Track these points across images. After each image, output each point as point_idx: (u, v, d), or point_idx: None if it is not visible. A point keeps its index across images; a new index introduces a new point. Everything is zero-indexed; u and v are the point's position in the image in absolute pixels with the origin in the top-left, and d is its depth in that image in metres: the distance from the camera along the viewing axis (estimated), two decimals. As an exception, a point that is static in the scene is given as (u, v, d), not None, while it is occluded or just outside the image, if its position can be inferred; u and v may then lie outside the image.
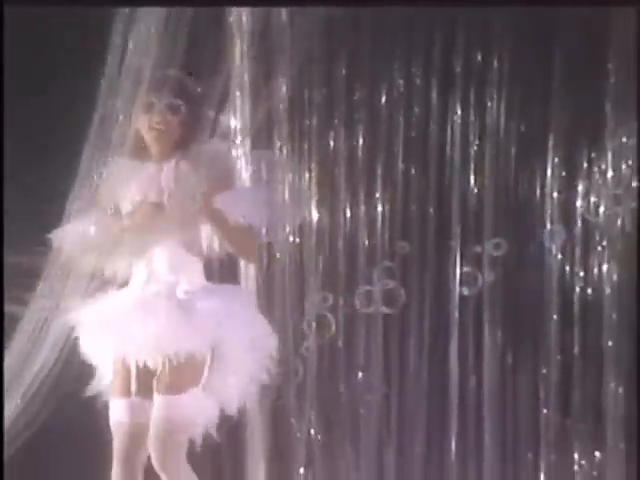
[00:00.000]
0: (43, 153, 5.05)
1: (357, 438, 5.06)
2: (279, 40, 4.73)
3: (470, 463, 5.03)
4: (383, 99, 5.07)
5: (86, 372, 3.79)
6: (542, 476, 4.95)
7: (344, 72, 5.03)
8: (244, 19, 4.71)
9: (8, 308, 4.09)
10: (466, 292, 4.99)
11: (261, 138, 4.71)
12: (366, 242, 5.03)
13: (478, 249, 4.97)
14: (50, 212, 3.99)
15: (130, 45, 4.21)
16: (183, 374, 3.54)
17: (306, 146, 5.01)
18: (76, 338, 3.74)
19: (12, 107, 4.62)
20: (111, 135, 3.89)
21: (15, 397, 4.17)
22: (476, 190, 5.01)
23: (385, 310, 4.96)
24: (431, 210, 5.04)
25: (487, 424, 5.02)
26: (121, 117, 3.89)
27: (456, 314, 5.01)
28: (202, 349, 3.54)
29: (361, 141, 5.06)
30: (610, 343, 4.89)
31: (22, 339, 4.22)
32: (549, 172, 5.02)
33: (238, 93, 4.73)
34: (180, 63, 3.97)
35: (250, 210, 3.58)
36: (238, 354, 3.59)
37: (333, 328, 4.96)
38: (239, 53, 4.75)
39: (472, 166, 5.01)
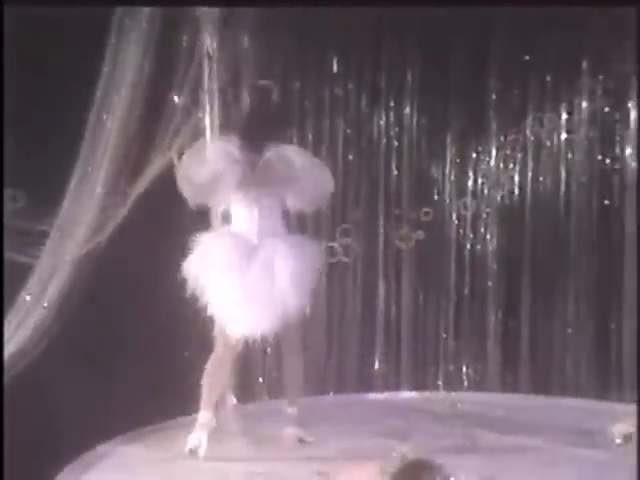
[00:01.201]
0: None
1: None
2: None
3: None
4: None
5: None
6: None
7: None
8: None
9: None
10: (403, 247, 6.73)
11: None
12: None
13: (414, 215, 6.75)
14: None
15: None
16: None
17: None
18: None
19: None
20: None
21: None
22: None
23: (344, 259, 6.62)
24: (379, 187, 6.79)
25: (403, 344, 6.87)
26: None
27: (393, 262, 6.84)
28: None
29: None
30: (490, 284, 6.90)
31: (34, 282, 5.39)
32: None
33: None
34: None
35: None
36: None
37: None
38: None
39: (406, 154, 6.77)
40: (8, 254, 5.09)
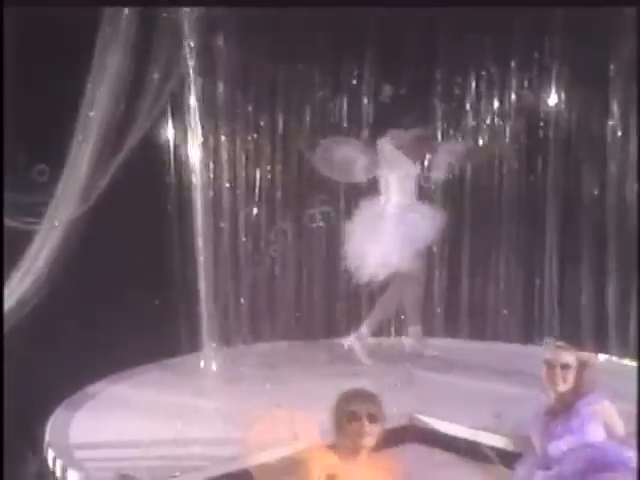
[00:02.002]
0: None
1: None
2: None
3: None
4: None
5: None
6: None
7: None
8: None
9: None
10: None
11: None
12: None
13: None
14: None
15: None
16: None
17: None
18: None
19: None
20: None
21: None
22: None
23: (322, 225, 7.45)
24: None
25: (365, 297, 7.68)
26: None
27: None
28: None
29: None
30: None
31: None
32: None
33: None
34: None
35: None
36: None
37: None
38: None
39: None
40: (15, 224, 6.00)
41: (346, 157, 7.12)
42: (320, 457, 4.58)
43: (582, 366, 5.22)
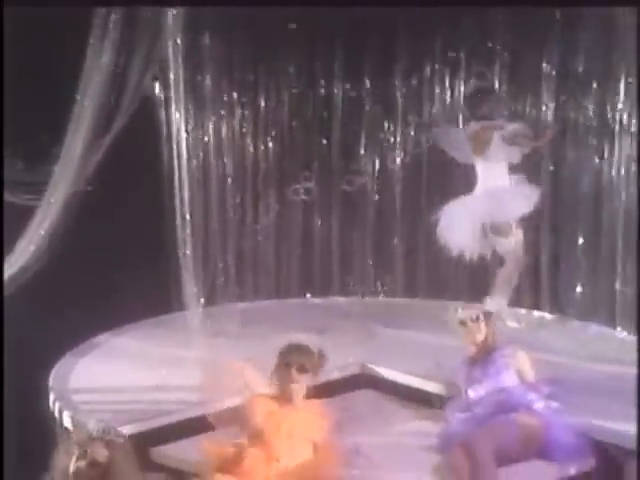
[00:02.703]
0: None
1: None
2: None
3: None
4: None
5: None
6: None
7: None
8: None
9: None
10: (348, 189, 8.48)
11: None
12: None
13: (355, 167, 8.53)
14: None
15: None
16: None
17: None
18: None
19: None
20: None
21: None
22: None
23: (305, 198, 8.38)
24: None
25: (335, 262, 8.64)
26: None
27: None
28: None
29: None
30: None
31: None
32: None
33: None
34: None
35: None
36: None
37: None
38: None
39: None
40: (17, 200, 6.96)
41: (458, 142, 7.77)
42: (261, 403, 5.27)
43: (487, 316, 6.19)
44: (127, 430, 5.61)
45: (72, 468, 4.05)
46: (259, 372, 5.56)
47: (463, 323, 6.19)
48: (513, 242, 7.60)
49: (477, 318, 6.14)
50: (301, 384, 5.20)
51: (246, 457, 5.16)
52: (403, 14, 7.70)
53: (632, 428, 5.58)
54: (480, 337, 6.13)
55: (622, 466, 5.51)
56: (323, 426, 5.31)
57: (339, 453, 5.41)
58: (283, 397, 5.25)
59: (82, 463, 4.06)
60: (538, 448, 5.76)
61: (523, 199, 7.56)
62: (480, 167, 7.65)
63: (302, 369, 5.18)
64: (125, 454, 4.23)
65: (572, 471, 5.69)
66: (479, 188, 7.66)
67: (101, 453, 4.10)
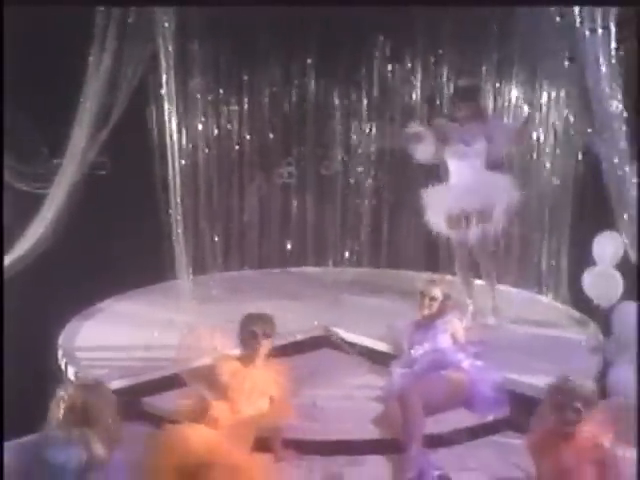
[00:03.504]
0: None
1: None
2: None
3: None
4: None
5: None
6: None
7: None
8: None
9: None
10: (325, 172, 9.57)
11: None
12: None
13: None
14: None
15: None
16: None
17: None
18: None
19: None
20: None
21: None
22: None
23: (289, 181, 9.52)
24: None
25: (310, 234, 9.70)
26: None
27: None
28: None
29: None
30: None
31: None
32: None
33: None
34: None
35: None
36: None
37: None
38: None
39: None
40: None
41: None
42: (227, 363, 5.96)
43: (447, 297, 7.03)
44: (120, 383, 6.55)
45: (58, 414, 4.81)
46: (227, 336, 6.13)
47: (422, 295, 7.00)
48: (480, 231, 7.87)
49: (434, 298, 6.96)
50: (265, 347, 5.97)
51: (212, 409, 5.80)
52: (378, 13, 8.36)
53: (542, 381, 6.11)
54: (427, 313, 6.98)
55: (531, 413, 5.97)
56: (280, 383, 6.03)
57: (293, 406, 6.10)
58: (247, 358, 5.98)
59: (64, 407, 4.79)
60: (463, 400, 6.60)
61: (494, 190, 7.82)
62: (451, 164, 7.97)
63: (267, 335, 5.97)
64: (100, 398, 4.88)
65: (490, 418, 6.55)
66: (453, 179, 7.99)
67: (77, 396, 4.81)
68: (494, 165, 7.96)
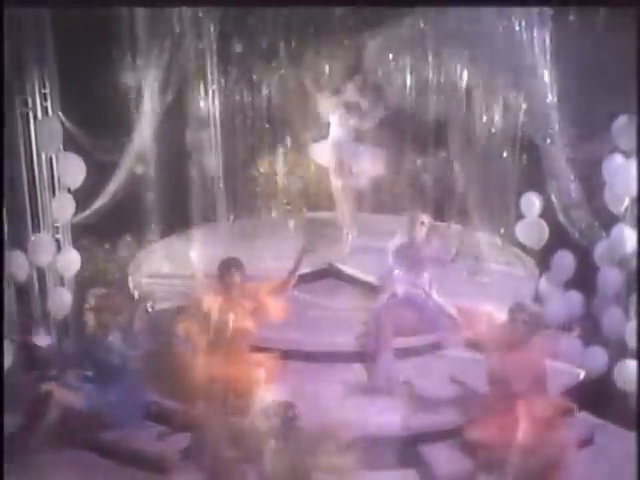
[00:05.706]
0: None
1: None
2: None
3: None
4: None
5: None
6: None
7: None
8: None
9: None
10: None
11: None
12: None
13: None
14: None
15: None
16: None
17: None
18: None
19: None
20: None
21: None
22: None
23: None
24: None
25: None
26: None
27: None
28: None
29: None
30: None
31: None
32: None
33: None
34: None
35: None
36: None
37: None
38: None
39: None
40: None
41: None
42: (207, 298, 7.57)
43: (434, 228, 8.53)
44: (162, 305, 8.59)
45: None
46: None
47: (413, 220, 8.24)
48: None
49: (423, 223, 8.20)
50: (236, 277, 7.50)
51: (196, 325, 7.58)
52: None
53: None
54: (420, 236, 8.21)
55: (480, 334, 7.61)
56: (249, 310, 7.52)
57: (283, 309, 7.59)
58: (223, 291, 7.52)
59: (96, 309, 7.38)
60: (426, 326, 8.15)
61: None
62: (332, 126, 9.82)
63: (237, 267, 7.53)
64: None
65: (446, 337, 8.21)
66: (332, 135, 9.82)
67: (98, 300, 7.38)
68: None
